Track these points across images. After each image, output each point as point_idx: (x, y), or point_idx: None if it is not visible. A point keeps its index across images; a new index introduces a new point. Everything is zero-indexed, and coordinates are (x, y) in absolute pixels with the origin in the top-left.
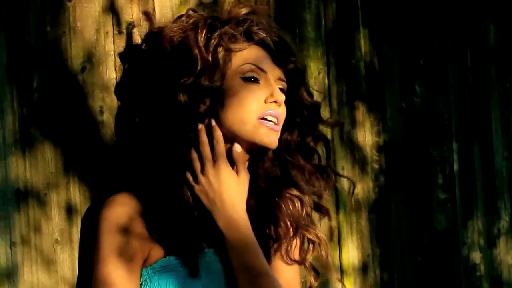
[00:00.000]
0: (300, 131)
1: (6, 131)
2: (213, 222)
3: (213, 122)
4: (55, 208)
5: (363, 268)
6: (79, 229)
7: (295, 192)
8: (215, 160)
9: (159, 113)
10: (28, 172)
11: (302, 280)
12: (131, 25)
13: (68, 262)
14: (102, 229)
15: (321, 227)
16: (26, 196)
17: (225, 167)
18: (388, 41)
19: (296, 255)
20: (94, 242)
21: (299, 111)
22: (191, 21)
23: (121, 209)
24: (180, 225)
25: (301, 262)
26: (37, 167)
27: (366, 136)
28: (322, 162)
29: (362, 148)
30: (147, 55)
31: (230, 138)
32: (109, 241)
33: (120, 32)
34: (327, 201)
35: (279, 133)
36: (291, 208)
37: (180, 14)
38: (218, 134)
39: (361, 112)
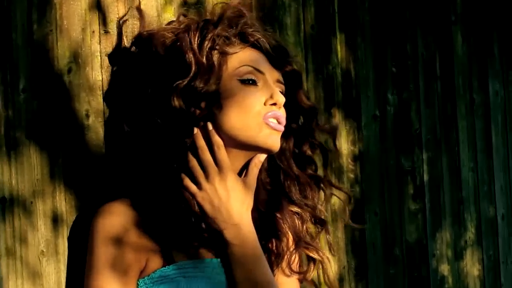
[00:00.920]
0: (297, 138)
1: None
2: (217, 232)
3: (210, 126)
4: (40, 217)
5: (340, 281)
6: (65, 240)
7: (295, 208)
8: (219, 166)
9: (152, 119)
10: (13, 179)
11: None
12: (121, 21)
13: (53, 275)
14: (94, 240)
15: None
16: (11, 205)
17: (231, 174)
18: (363, 47)
19: (296, 267)
20: (83, 254)
21: (296, 116)
22: (182, 25)
23: (114, 219)
24: (178, 233)
25: (302, 277)
26: (23, 174)
27: (342, 145)
28: (318, 172)
29: (338, 157)
30: (137, 58)
31: (227, 142)
32: (102, 253)
33: (106, 32)
34: (323, 212)
35: (280, 135)
36: (292, 224)
37: (171, 20)
38: (218, 139)
39: (337, 120)
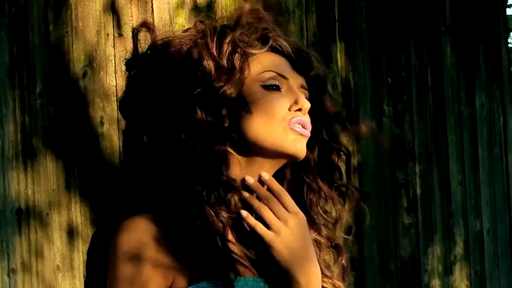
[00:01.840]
0: (323, 146)
1: (6, 142)
2: (284, 271)
3: (266, 176)
4: (56, 230)
5: None
6: (80, 254)
7: (313, 235)
8: (289, 210)
9: (174, 130)
10: (29, 188)
11: None
12: (136, 30)
13: None
14: (115, 257)
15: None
16: (27, 216)
17: (301, 214)
18: (361, 57)
19: None
20: (102, 270)
21: (320, 123)
22: (200, 31)
23: (137, 236)
24: (203, 252)
25: None
26: (39, 184)
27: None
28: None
29: None
30: (154, 67)
31: (252, 151)
32: (123, 271)
33: (120, 35)
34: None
35: (306, 141)
36: None
37: (187, 28)
38: (278, 186)
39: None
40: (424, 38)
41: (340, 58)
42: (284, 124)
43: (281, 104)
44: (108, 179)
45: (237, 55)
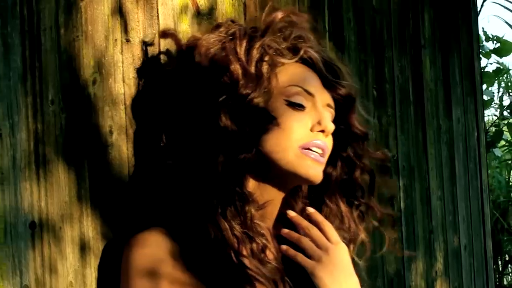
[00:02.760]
0: (346, 164)
1: (18, 151)
2: None
3: (311, 209)
4: (69, 244)
5: None
6: (93, 270)
7: None
8: (330, 240)
9: (196, 137)
10: (42, 200)
11: None
12: (146, 43)
13: None
14: (129, 273)
15: None
16: (40, 230)
17: (345, 248)
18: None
19: None
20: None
21: (345, 142)
22: (229, 31)
23: (151, 251)
24: (219, 268)
25: None
26: (52, 195)
27: None
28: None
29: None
30: (176, 70)
31: (266, 170)
32: (138, 287)
33: (127, 41)
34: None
35: (323, 166)
36: None
37: (217, 23)
38: (320, 217)
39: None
40: (406, 50)
41: None
42: (299, 146)
43: (301, 124)
44: (117, 191)
45: (265, 63)
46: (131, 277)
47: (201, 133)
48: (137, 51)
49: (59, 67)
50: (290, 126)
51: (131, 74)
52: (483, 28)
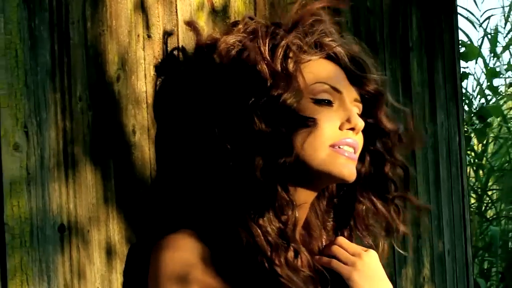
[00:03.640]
0: (374, 157)
1: (47, 150)
2: None
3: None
4: (96, 249)
5: None
6: (119, 275)
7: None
8: (362, 248)
9: (228, 141)
10: (71, 202)
11: None
12: (167, 35)
13: None
14: (158, 278)
15: None
16: (69, 234)
17: (376, 254)
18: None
19: None
20: None
21: (374, 138)
22: (248, 29)
23: (181, 255)
24: (250, 274)
25: None
26: (80, 197)
27: None
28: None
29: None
30: (197, 70)
31: (298, 172)
32: None
33: (149, 37)
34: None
35: (356, 163)
36: None
37: (234, 20)
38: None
39: None
40: (396, 52)
41: None
42: (329, 144)
43: (331, 123)
44: (140, 192)
45: (290, 59)
46: (160, 283)
47: (233, 136)
48: (158, 47)
49: (86, 62)
50: (320, 125)
51: (152, 72)
52: None
